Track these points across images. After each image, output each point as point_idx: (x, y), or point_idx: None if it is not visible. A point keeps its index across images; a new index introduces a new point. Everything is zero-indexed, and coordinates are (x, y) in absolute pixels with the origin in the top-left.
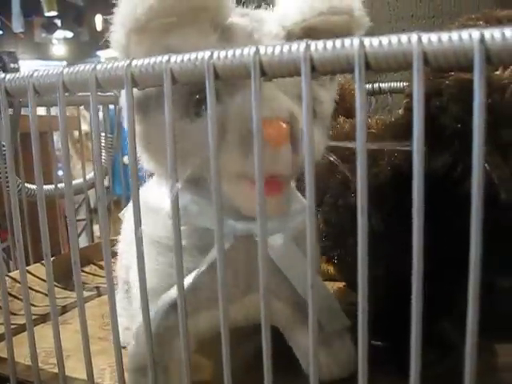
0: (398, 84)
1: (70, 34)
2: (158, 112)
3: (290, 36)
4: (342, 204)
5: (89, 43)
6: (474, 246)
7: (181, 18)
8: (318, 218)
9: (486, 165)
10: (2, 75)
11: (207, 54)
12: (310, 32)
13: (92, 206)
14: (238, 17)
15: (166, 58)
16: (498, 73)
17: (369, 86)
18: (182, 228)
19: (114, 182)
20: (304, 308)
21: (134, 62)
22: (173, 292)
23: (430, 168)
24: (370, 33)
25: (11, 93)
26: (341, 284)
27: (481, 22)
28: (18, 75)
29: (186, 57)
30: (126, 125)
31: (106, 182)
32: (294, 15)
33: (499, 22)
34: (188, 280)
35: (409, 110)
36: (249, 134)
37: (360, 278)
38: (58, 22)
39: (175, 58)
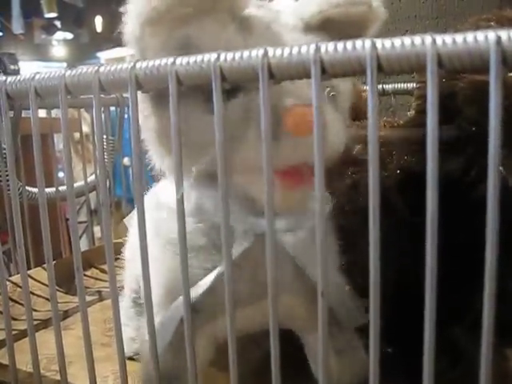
0: (402, 85)
1: (69, 36)
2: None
3: (308, 28)
4: (350, 209)
5: (89, 45)
6: (490, 246)
7: (198, 7)
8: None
9: (502, 168)
10: (3, 78)
11: (214, 56)
12: (327, 23)
13: (92, 207)
14: (254, 8)
15: (171, 60)
16: None
17: None
18: (199, 225)
19: (114, 183)
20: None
21: (139, 65)
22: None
23: (444, 171)
24: (373, 33)
25: (12, 96)
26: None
27: (492, 23)
28: (19, 78)
29: (192, 59)
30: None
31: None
32: (311, 7)
33: (511, 23)
34: (206, 281)
35: (420, 112)
36: (274, 125)
37: (372, 285)
38: (58, 23)
39: (181, 60)
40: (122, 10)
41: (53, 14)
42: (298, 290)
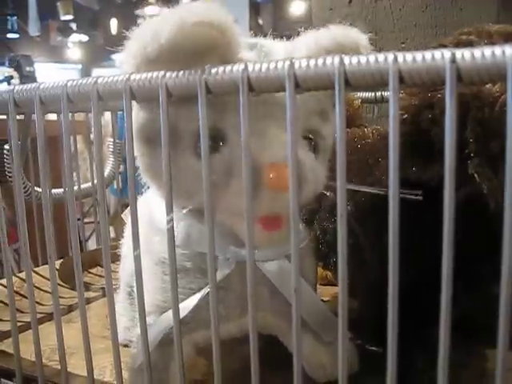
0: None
1: (85, 38)
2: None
3: None
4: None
5: (103, 47)
6: (447, 256)
7: (190, 55)
8: (314, 224)
9: (476, 176)
10: (12, 87)
11: (199, 70)
12: None
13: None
14: (246, 50)
15: (161, 73)
16: (488, 87)
17: (371, 94)
18: (186, 251)
19: (124, 186)
20: (302, 321)
21: (133, 77)
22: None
23: (421, 180)
24: (374, 42)
25: (19, 104)
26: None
27: (472, 37)
28: (26, 87)
29: (180, 73)
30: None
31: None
32: (301, 50)
33: (490, 37)
34: (191, 301)
35: (402, 122)
36: (255, 176)
37: (340, 282)
38: (74, 25)
39: (170, 74)
40: (137, 12)
41: (69, 17)
42: (275, 308)
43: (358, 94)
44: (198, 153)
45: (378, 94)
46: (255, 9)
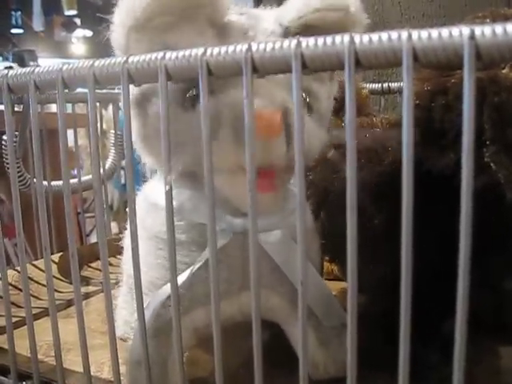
0: None
1: (89, 33)
2: (154, 106)
3: (287, 33)
4: (344, 203)
5: (108, 42)
6: (464, 246)
7: (178, 16)
8: (321, 216)
9: (492, 164)
10: (5, 71)
11: (200, 50)
12: (307, 29)
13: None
14: (236, 15)
15: (160, 54)
16: (504, 71)
17: (378, 86)
18: (180, 223)
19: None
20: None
21: (131, 59)
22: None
23: (435, 166)
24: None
25: (13, 89)
26: (345, 284)
27: (488, 20)
28: (20, 71)
29: (181, 53)
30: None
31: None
32: (291, 12)
33: (506, 20)
34: (184, 275)
35: (415, 108)
36: (242, 127)
37: (349, 275)
38: (78, 20)
39: (170, 55)
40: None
41: (73, 12)
42: (275, 285)
43: (365, 85)
44: (184, 105)
45: (385, 85)
46: (258, 1)
